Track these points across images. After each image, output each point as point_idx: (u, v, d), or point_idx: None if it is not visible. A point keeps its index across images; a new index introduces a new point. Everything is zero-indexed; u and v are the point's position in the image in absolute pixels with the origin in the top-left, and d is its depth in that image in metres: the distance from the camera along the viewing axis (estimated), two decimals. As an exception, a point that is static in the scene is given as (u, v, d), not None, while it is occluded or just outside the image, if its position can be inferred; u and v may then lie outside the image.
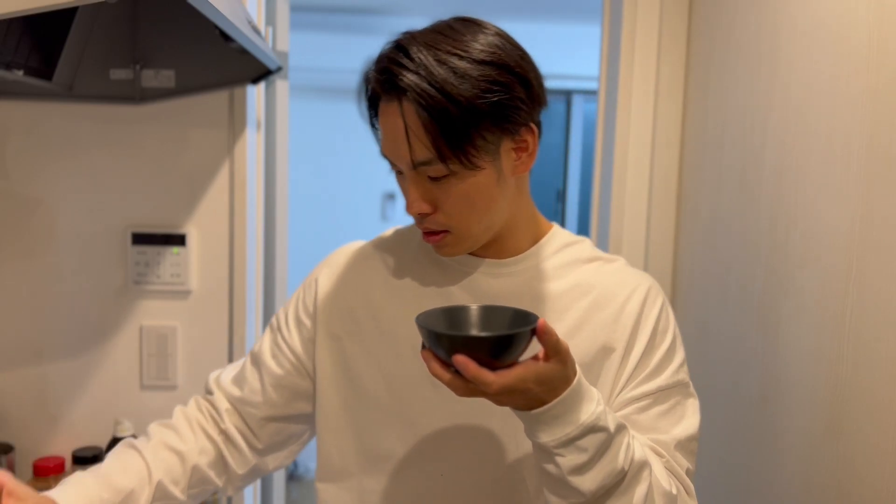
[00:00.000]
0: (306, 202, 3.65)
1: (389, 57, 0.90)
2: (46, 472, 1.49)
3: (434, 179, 0.91)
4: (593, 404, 0.81)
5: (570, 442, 0.80)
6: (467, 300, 0.99)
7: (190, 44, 1.53)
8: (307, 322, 1.07)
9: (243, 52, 1.37)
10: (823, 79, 1.14)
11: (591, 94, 4.14)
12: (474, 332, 0.83)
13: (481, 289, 1.00)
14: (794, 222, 1.21)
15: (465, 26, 0.92)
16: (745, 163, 1.41)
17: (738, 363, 1.41)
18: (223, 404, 1.09)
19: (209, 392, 1.12)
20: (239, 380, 1.10)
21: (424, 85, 0.86)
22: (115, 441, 1.53)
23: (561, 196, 4.40)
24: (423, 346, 0.80)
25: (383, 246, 1.09)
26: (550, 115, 4.44)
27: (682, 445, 0.94)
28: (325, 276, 1.08)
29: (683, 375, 0.98)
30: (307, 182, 3.74)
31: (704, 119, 1.62)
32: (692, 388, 0.99)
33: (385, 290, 1.03)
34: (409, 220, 1.04)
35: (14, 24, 1.18)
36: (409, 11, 3.53)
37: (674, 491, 0.88)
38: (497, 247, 1.00)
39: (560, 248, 1.03)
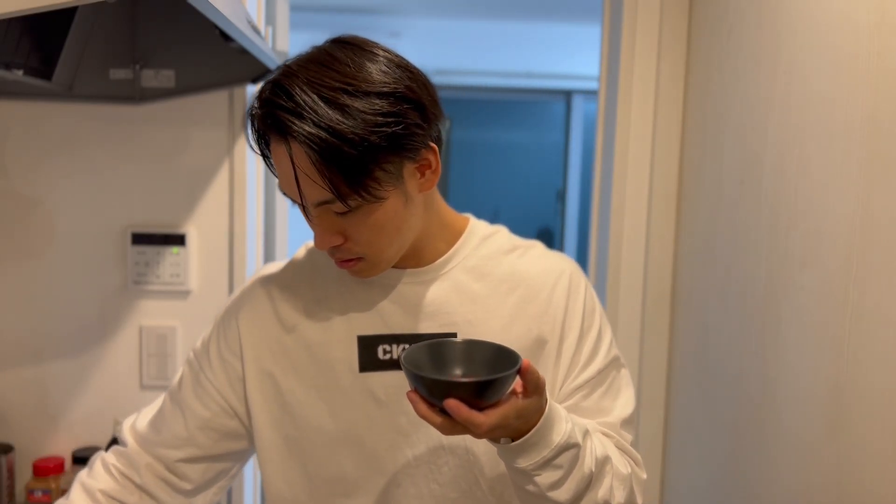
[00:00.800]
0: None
1: (270, 100, 0.85)
2: (46, 472, 1.50)
3: (339, 214, 0.89)
4: (562, 423, 0.85)
5: (546, 463, 0.84)
6: (398, 313, 0.99)
7: (190, 44, 1.53)
8: (233, 361, 1.02)
9: (243, 52, 1.37)
10: (824, 78, 1.14)
11: (591, 94, 4.14)
12: (459, 371, 0.85)
13: (410, 299, 0.99)
14: (795, 222, 1.21)
15: (347, 54, 0.87)
16: (745, 163, 1.41)
17: (738, 363, 1.41)
18: (141, 458, 1.02)
19: (123, 443, 1.05)
20: (158, 423, 1.04)
21: (312, 129, 0.81)
22: (114, 441, 1.53)
23: (561, 196, 4.40)
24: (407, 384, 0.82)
25: (300, 270, 1.05)
26: (550, 115, 4.43)
27: (626, 422, 1.00)
28: (247, 311, 1.03)
29: (614, 351, 1.03)
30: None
31: (704, 119, 1.62)
32: (622, 359, 1.04)
33: (312, 318, 1.00)
34: None
35: (14, 24, 1.18)
36: (410, 11, 3.53)
37: (628, 470, 0.93)
38: (415, 257, 0.99)
39: (479, 242, 1.03)
